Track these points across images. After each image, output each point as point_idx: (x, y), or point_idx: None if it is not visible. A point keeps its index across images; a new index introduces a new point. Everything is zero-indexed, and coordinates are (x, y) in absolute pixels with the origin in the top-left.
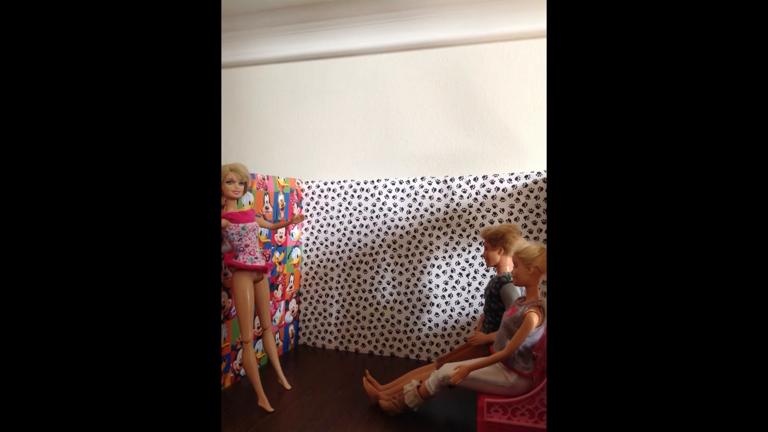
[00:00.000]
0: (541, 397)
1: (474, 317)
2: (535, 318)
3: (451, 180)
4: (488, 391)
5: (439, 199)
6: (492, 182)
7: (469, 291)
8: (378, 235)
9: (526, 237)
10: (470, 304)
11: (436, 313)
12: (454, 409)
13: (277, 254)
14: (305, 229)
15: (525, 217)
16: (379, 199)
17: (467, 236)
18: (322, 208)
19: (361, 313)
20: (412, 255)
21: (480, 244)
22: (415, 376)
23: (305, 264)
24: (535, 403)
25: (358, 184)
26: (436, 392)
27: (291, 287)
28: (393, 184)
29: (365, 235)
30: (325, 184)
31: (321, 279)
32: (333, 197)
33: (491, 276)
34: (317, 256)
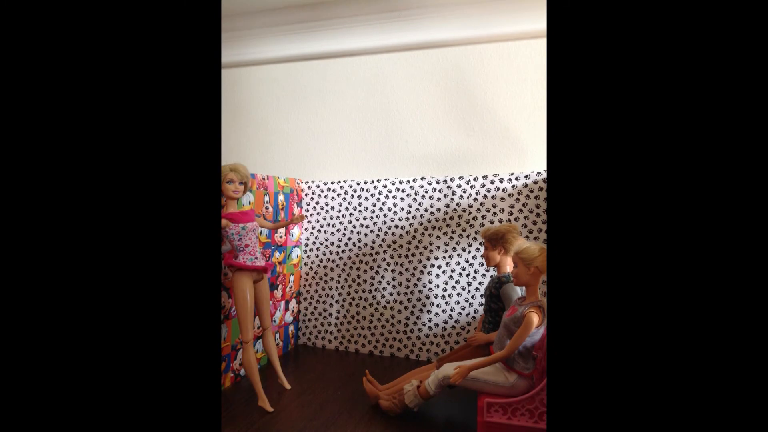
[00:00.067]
0: (541, 397)
1: (474, 317)
2: (535, 318)
3: (451, 180)
4: (488, 391)
5: (439, 199)
6: (492, 182)
7: (469, 291)
8: (378, 235)
9: (526, 237)
10: (470, 304)
11: (436, 313)
12: (454, 409)
13: (277, 254)
14: (305, 229)
15: (525, 217)
16: (379, 199)
17: (467, 236)
18: (322, 208)
19: (361, 313)
20: (412, 255)
21: (480, 244)
22: (415, 376)
23: (305, 264)
24: (535, 403)
25: (358, 184)
26: (436, 392)
27: (291, 287)
28: (393, 184)
29: (365, 235)
30: (325, 184)
31: (321, 279)
32: (333, 197)
33: (491, 276)
34: (317, 256)
